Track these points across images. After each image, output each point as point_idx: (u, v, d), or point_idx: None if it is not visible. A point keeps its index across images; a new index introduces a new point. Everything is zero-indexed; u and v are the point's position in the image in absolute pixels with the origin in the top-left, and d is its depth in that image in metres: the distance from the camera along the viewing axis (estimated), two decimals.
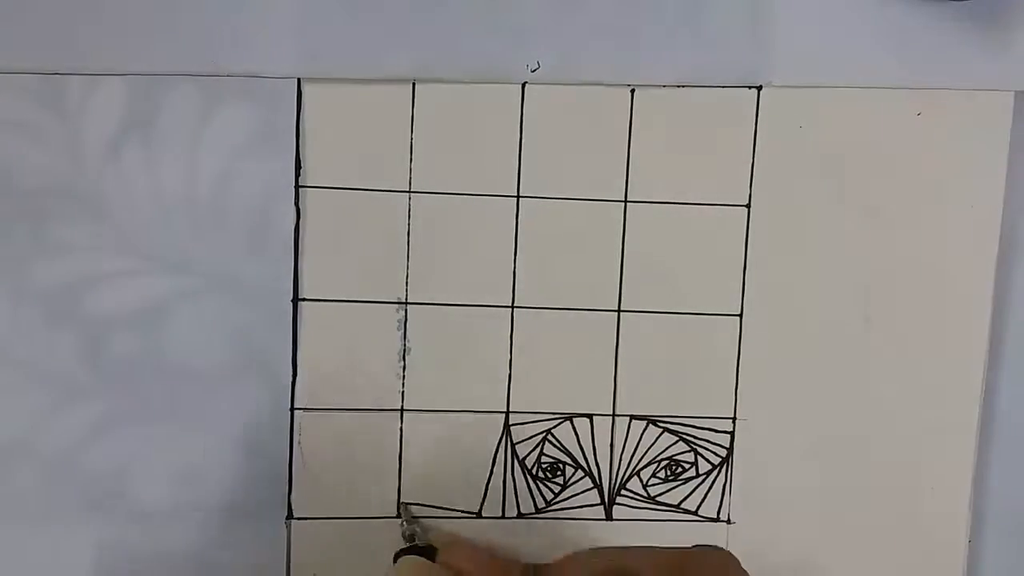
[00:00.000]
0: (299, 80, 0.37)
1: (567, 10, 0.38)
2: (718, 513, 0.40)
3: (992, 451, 0.40)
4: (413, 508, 0.39)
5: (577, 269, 0.39)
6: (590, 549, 0.39)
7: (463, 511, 0.39)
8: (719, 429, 0.40)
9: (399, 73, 0.37)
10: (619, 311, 0.39)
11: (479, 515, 0.39)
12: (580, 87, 0.38)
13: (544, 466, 0.39)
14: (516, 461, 0.39)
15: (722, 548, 0.34)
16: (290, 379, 0.38)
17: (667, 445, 0.40)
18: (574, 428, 0.39)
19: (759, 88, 0.38)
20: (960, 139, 0.39)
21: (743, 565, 0.33)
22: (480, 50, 0.38)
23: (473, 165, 0.38)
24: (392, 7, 0.37)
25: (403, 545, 0.37)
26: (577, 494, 0.40)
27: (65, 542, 0.38)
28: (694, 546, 0.35)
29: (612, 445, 0.39)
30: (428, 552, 0.37)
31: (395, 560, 0.36)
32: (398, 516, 0.39)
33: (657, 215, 0.39)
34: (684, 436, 0.39)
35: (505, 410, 0.39)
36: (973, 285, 0.39)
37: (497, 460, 0.39)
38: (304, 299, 0.38)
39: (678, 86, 0.38)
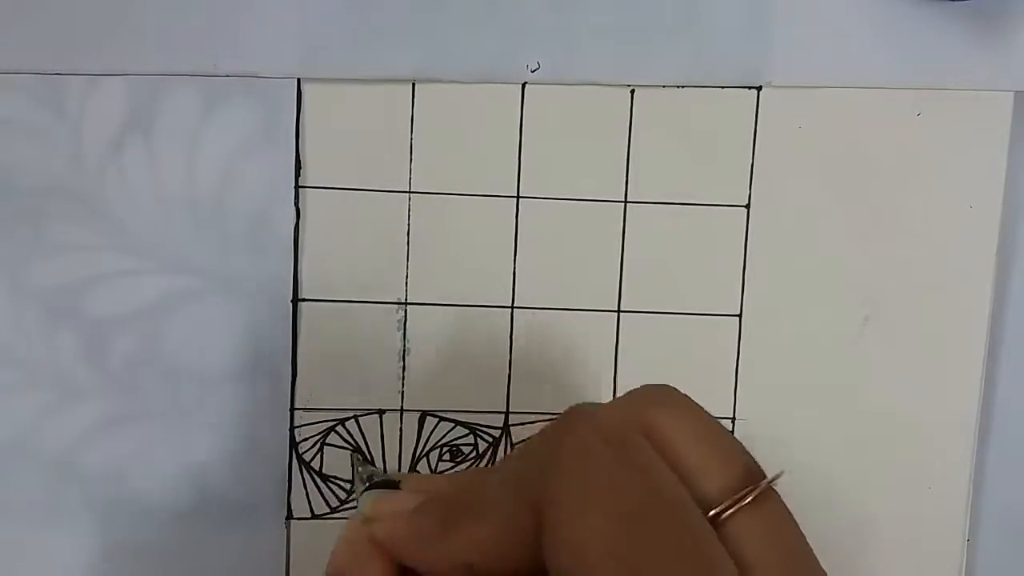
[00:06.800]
0: (299, 80, 0.37)
1: (567, 10, 0.38)
2: None
3: (991, 450, 0.40)
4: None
5: (577, 269, 0.39)
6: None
7: None
8: None
9: (399, 73, 0.37)
10: (619, 311, 0.39)
11: None
12: (580, 87, 0.38)
13: None
14: None
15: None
16: (290, 379, 0.38)
17: None
18: None
19: (759, 88, 0.38)
20: (960, 139, 0.39)
21: None
22: (480, 50, 0.38)
23: (473, 165, 0.38)
24: (392, 7, 0.37)
25: (363, 487, 0.33)
26: None
27: (65, 542, 0.38)
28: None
29: None
30: (392, 485, 0.32)
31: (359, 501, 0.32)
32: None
33: (657, 215, 0.39)
34: None
35: (505, 410, 0.39)
36: (972, 285, 0.39)
37: (497, 460, 0.39)
38: (304, 299, 0.38)
39: (678, 86, 0.38)
